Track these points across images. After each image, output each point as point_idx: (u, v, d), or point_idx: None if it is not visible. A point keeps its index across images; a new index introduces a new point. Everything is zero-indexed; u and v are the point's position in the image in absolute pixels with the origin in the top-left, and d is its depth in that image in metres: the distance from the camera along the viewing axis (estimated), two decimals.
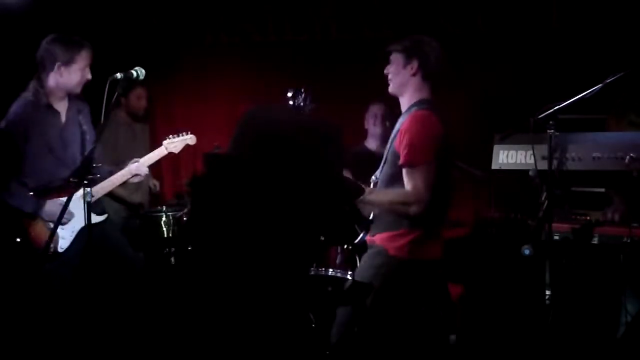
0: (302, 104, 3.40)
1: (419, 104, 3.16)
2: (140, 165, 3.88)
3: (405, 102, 3.23)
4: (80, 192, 3.53)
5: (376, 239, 3.14)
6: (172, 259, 4.66)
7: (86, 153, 3.24)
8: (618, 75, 2.93)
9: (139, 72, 3.46)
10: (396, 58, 3.21)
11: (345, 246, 3.24)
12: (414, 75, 3.17)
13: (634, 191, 3.17)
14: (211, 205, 1.37)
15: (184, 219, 4.70)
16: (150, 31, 5.62)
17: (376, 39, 5.14)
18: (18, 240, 3.61)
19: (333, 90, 5.13)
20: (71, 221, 3.70)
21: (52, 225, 3.62)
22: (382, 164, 3.25)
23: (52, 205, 3.62)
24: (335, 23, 5.28)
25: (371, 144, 4.83)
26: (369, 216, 3.23)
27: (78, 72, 3.66)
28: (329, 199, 1.41)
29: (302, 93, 3.42)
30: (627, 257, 3.19)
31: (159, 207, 4.82)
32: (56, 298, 3.59)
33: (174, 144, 4.10)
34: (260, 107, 1.45)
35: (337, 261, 4.11)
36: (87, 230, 3.43)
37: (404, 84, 3.20)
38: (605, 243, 3.21)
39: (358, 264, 3.30)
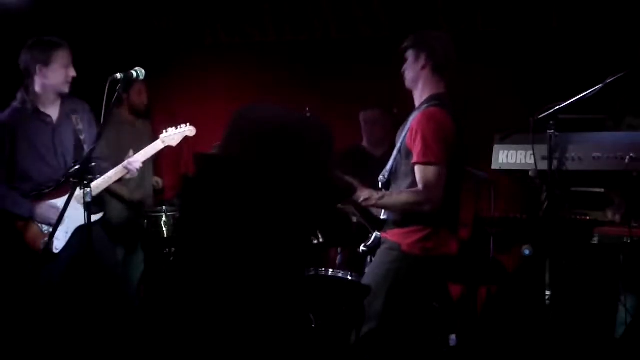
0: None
1: (430, 99, 3.18)
2: (131, 161, 3.85)
3: (418, 97, 3.26)
4: (75, 193, 3.55)
5: (389, 234, 3.14)
6: (172, 259, 4.66)
7: (85, 153, 3.23)
8: (618, 76, 2.93)
9: (139, 72, 3.47)
10: (409, 55, 3.27)
11: (361, 249, 3.24)
12: (423, 68, 3.21)
13: (634, 191, 3.17)
14: (201, 206, 1.37)
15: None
16: (151, 31, 5.62)
17: (376, 39, 5.14)
18: (13, 242, 3.63)
19: (333, 90, 5.13)
20: (65, 222, 3.62)
21: (45, 227, 3.66)
22: (391, 160, 3.25)
23: (44, 208, 3.66)
24: (335, 23, 5.27)
25: (367, 147, 4.81)
26: (380, 215, 3.24)
27: (60, 70, 3.68)
28: (319, 198, 1.40)
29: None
30: (627, 257, 3.20)
31: (159, 207, 4.81)
32: (46, 298, 3.60)
33: (171, 136, 4.07)
34: (249, 106, 1.44)
35: (337, 261, 4.12)
36: (83, 230, 3.46)
37: (415, 79, 3.25)
38: (605, 243, 3.21)
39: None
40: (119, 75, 3.45)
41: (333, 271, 3.72)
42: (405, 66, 3.28)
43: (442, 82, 3.23)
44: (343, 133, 4.07)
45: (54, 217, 3.58)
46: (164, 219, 4.68)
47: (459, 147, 3.13)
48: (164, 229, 4.68)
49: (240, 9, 5.45)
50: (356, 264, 3.59)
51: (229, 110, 1.85)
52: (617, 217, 3.21)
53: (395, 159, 3.22)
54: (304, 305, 3.00)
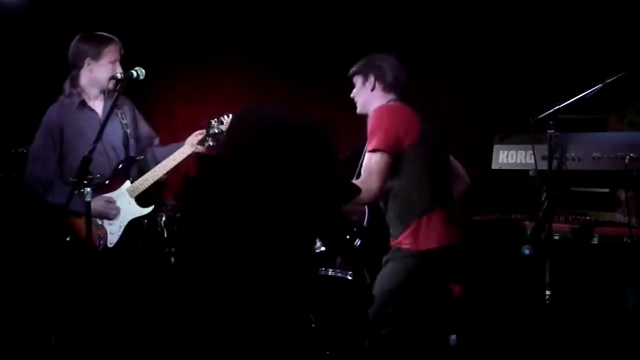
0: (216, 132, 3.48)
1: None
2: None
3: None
4: (126, 185, 3.60)
5: (399, 242, 3.18)
6: (172, 259, 4.65)
7: (86, 153, 3.22)
8: (618, 75, 2.93)
9: (139, 72, 3.48)
10: (356, 80, 3.32)
11: (356, 242, 3.26)
12: (373, 89, 3.27)
13: (634, 191, 3.17)
14: (203, 207, 1.37)
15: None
16: (151, 31, 5.62)
17: (377, 38, 5.14)
18: (68, 239, 3.58)
19: (333, 90, 5.12)
20: (118, 215, 3.69)
21: (99, 221, 3.63)
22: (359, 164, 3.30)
23: (100, 202, 3.60)
24: (335, 23, 5.27)
25: None
26: (364, 222, 3.28)
27: (107, 65, 3.64)
28: (323, 199, 1.40)
29: (218, 122, 3.54)
30: (627, 257, 3.20)
31: (159, 207, 4.81)
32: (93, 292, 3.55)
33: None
34: (252, 107, 1.44)
35: (337, 261, 4.11)
36: (136, 224, 3.60)
37: (367, 101, 3.31)
38: (605, 243, 3.21)
39: (364, 269, 3.33)
40: (119, 75, 3.46)
41: (333, 271, 3.72)
42: (354, 92, 3.32)
43: (396, 95, 3.28)
44: (342, 133, 4.06)
45: (110, 212, 3.62)
46: (164, 219, 4.68)
47: (432, 133, 3.15)
48: (164, 229, 4.68)
49: (240, 9, 5.44)
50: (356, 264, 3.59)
51: (228, 110, 1.86)
52: (634, 219, 3.20)
53: (362, 161, 3.28)
54: (306, 307, 3.00)
